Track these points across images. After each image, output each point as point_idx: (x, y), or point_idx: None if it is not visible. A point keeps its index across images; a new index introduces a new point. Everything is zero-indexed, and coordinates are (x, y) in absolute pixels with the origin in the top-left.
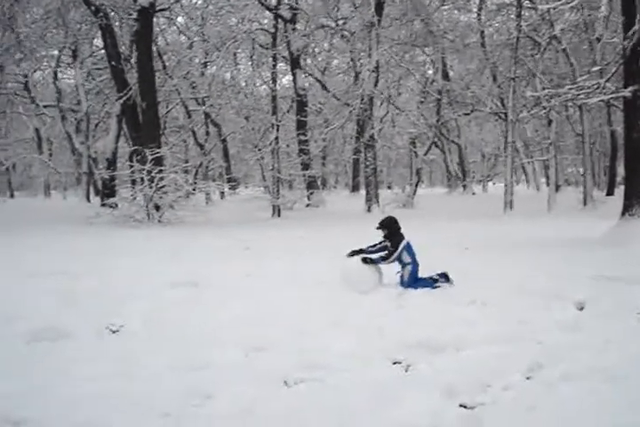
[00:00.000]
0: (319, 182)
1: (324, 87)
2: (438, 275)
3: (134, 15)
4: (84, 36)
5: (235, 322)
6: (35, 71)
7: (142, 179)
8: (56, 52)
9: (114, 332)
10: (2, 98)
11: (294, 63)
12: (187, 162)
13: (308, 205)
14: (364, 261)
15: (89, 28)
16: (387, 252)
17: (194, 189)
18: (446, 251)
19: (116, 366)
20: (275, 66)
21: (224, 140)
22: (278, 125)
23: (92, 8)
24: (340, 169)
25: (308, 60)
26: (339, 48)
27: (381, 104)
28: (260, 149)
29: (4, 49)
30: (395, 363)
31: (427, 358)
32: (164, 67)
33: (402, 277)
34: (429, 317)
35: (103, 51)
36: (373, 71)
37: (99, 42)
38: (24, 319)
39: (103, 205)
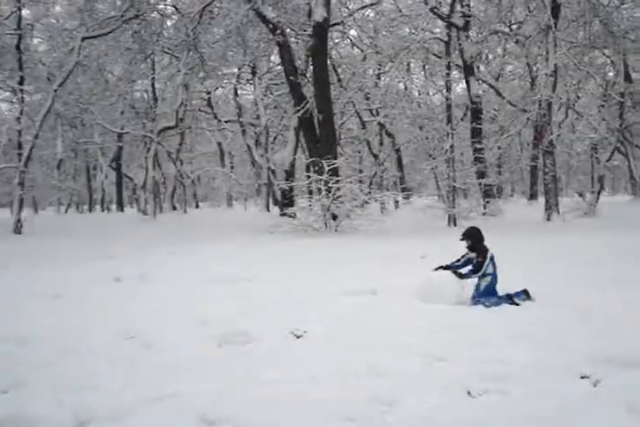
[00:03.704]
0: (495, 191)
1: (498, 94)
2: (517, 292)
3: (309, 31)
4: (262, 54)
5: (413, 330)
6: (217, 88)
7: (319, 189)
8: (236, 70)
9: (298, 337)
10: (187, 114)
11: (468, 70)
12: (361, 172)
13: (484, 214)
14: (457, 274)
15: (266, 46)
16: (474, 264)
17: (369, 199)
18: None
19: (301, 370)
20: (449, 74)
21: (398, 150)
22: (453, 134)
23: (270, 26)
24: (516, 177)
25: (482, 67)
26: (513, 53)
27: (559, 109)
28: (434, 158)
29: (188, 68)
30: (582, 377)
31: (617, 374)
32: (339, 79)
33: (477, 287)
34: (619, 330)
35: (280, 66)
36: (551, 75)
37: (276, 58)
38: (215, 323)
39: (282, 214)
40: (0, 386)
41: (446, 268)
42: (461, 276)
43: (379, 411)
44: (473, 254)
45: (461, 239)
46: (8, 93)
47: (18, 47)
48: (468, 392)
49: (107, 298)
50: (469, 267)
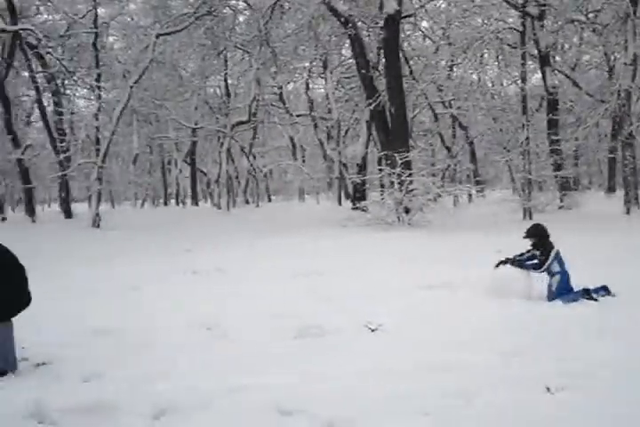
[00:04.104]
0: (572, 183)
1: (575, 84)
2: (596, 287)
3: (381, 23)
4: (334, 47)
5: (487, 325)
6: (288, 83)
7: (392, 182)
8: (307, 64)
9: (372, 330)
10: (260, 109)
11: (543, 61)
12: (433, 165)
13: (560, 208)
14: (515, 264)
15: (338, 39)
16: (537, 261)
17: (442, 192)
18: None
19: (376, 364)
20: (524, 65)
21: (471, 143)
22: (528, 125)
23: (342, 19)
24: (594, 169)
25: (558, 57)
26: (590, 42)
27: (639, 99)
28: (509, 151)
29: (260, 63)
30: None
31: None
32: (411, 72)
33: (549, 287)
34: None
35: (352, 60)
36: (630, 64)
37: (347, 51)
38: (289, 316)
39: (355, 208)
40: (82, 375)
41: (506, 262)
42: (520, 265)
43: (454, 405)
44: (537, 252)
45: (525, 237)
46: (85, 91)
47: (94, 45)
48: (547, 388)
49: (184, 290)
50: (535, 261)
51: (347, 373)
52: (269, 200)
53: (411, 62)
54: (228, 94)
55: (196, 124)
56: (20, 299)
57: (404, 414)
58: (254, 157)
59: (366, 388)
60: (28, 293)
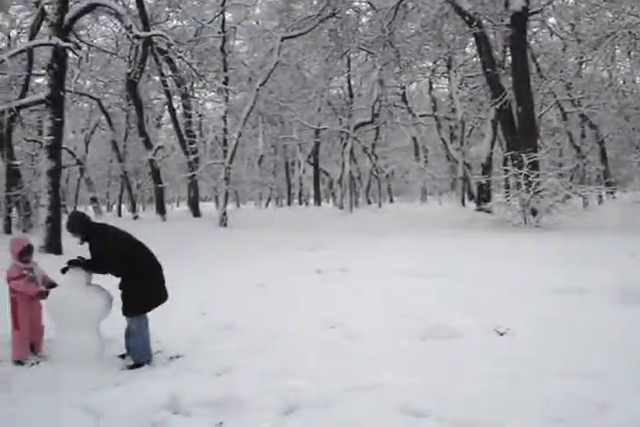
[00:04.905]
0: None
1: None
2: None
3: (507, 21)
4: (458, 46)
5: (623, 332)
6: (411, 83)
7: (518, 183)
8: (431, 64)
9: (501, 334)
10: (383, 110)
11: None
12: (561, 165)
13: None
14: None
15: (462, 38)
16: None
17: (572, 193)
18: None
19: (506, 368)
20: None
21: (601, 142)
22: None
23: (467, 18)
24: None
25: None
26: None
27: None
28: None
29: (383, 64)
30: None
31: None
32: (538, 69)
33: None
34: None
35: (476, 58)
36: None
37: (472, 50)
38: (415, 317)
39: (479, 209)
40: (214, 369)
41: None
42: None
43: (589, 414)
44: None
45: None
46: (213, 93)
47: (222, 49)
48: None
49: (309, 289)
50: None
51: (476, 376)
52: (391, 201)
53: (538, 60)
54: (351, 95)
55: (319, 126)
56: (157, 295)
57: (536, 420)
58: (376, 158)
59: (497, 392)
60: (165, 289)
